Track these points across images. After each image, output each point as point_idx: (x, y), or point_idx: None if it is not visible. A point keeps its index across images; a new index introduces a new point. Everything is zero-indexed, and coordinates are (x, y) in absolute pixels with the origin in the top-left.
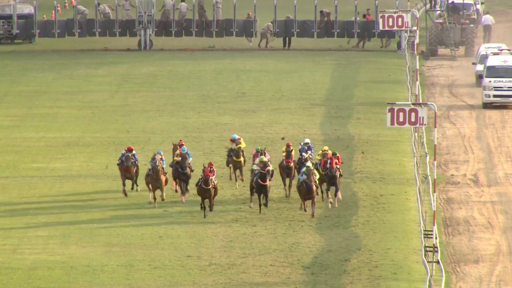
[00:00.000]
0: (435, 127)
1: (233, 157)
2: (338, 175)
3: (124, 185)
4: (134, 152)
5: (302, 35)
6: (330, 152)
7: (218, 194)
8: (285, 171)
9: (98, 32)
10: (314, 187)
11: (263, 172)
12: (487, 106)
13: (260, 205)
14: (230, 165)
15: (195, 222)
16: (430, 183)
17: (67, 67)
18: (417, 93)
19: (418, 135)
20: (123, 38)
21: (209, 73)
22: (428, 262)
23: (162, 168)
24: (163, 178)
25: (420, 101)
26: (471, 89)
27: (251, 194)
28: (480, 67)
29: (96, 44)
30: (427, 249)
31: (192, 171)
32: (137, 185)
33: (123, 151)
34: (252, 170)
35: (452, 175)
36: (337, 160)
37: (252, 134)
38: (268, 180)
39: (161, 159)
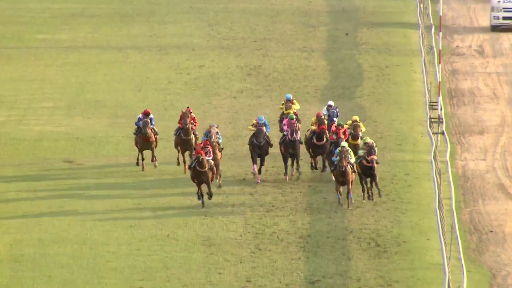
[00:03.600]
0: None
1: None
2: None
3: (142, 159)
4: (151, 116)
5: None
6: (360, 123)
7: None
8: (311, 147)
9: None
10: (349, 170)
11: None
12: (495, 29)
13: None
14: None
15: (200, 95)
16: (435, 54)
17: None
18: None
19: (424, 6)
20: None
21: None
22: (433, 133)
23: (218, 143)
24: (218, 154)
25: None
26: None
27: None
28: None
29: None
30: (432, 120)
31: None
32: (155, 159)
33: (139, 116)
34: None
35: (457, 46)
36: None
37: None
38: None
39: (217, 133)
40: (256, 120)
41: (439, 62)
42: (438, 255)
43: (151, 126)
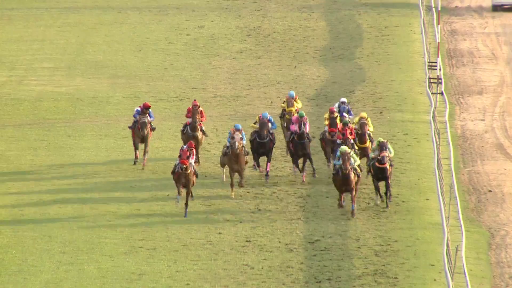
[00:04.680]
0: None
1: (286, 116)
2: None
3: (137, 149)
4: (150, 110)
5: None
6: (368, 120)
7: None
8: (329, 145)
9: None
10: (352, 176)
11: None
12: (497, 8)
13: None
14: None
15: (200, 56)
16: (435, 15)
17: None
18: None
19: None
20: None
21: None
22: (432, 93)
23: (243, 147)
24: (243, 160)
25: None
26: None
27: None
28: None
29: None
30: (431, 80)
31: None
32: (147, 157)
33: (137, 108)
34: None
35: (456, 6)
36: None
37: None
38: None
39: (241, 138)
40: (260, 116)
41: (438, 23)
42: (437, 215)
43: (150, 120)
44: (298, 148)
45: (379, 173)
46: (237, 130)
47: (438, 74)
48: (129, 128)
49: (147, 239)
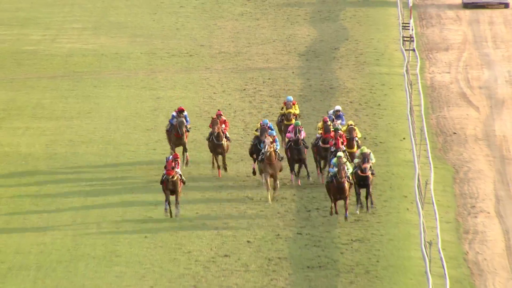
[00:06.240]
0: None
1: (284, 121)
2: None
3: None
4: (185, 113)
5: None
6: (355, 127)
7: None
8: (321, 153)
9: None
10: (346, 185)
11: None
12: (467, 6)
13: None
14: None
15: (207, 18)
16: None
17: None
18: None
19: None
20: None
21: None
22: (405, 50)
23: (276, 151)
24: (277, 164)
25: None
26: None
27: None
28: None
29: None
30: (405, 38)
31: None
32: (187, 155)
33: (173, 113)
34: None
35: None
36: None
37: None
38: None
39: (271, 142)
40: (260, 123)
41: None
42: (410, 154)
43: (186, 124)
44: (294, 153)
45: (361, 181)
46: (269, 134)
47: (411, 33)
48: (166, 131)
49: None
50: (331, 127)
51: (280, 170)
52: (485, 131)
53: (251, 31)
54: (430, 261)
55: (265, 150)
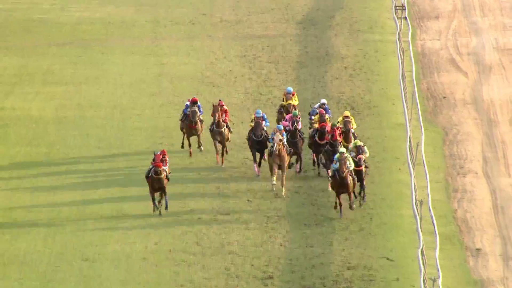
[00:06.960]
0: None
1: (284, 113)
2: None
3: (189, 145)
4: (199, 104)
5: None
6: (351, 118)
7: None
8: (317, 149)
9: None
10: (349, 180)
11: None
12: None
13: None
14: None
15: None
16: None
17: None
18: None
19: None
20: None
21: None
22: (397, 18)
23: (284, 146)
24: (287, 158)
25: None
26: None
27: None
28: None
29: None
30: (397, 7)
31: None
32: (201, 144)
33: (187, 103)
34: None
35: None
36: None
37: None
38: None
39: (280, 140)
40: (254, 114)
41: None
42: (402, 117)
43: (199, 114)
44: (290, 146)
45: (355, 174)
46: (278, 130)
47: (403, 2)
48: (180, 120)
49: (166, 137)
50: (328, 120)
51: (289, 168)
52: (473, 95)
53: (251, 0)
54: (421, 219)
55: (275, 149)
